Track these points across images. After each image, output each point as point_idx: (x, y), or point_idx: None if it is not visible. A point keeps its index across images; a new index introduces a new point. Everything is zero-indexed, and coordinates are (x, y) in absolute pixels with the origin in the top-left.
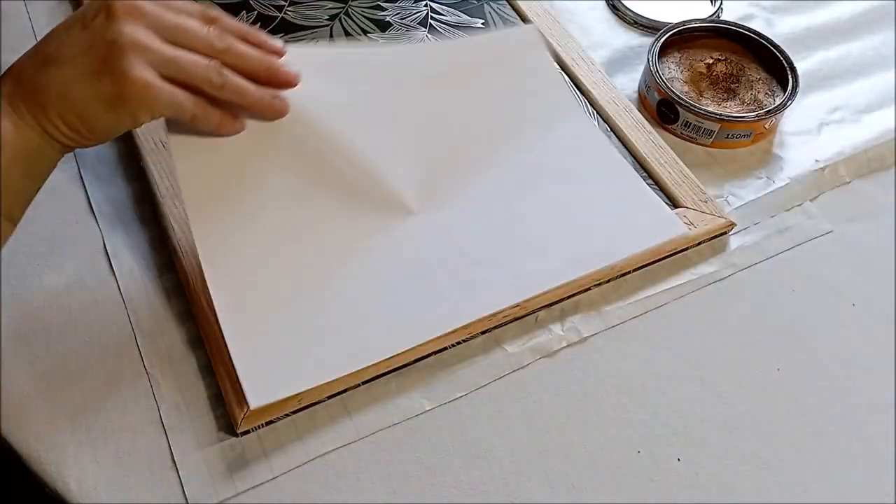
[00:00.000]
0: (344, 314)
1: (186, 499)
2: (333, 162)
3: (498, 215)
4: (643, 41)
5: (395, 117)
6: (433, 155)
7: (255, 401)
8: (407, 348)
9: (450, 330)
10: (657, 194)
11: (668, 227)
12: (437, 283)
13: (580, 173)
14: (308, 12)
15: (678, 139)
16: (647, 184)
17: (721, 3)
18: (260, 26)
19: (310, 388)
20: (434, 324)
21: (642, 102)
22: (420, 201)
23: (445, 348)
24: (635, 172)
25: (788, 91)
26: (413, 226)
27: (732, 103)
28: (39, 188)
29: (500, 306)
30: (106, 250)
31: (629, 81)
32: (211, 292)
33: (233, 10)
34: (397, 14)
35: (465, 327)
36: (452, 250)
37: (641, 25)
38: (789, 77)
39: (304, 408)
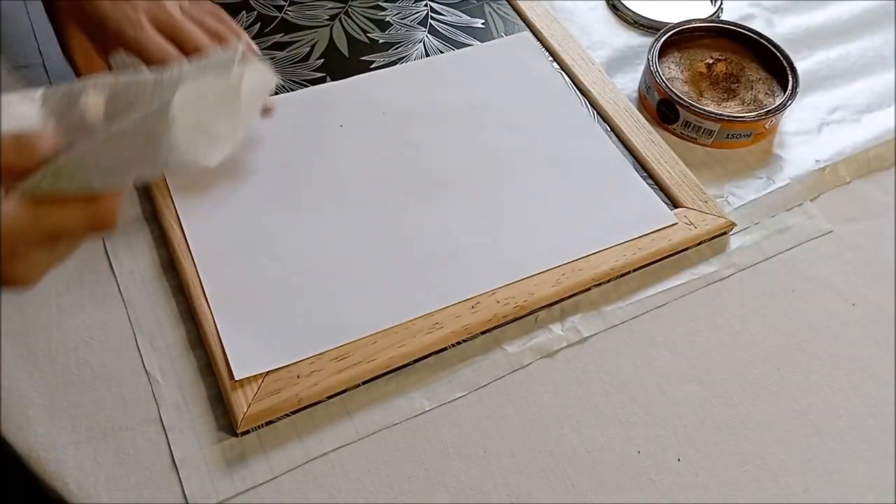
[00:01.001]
0: (329, 292)
1: (186, 499)
2: (324, 156)
3: (488, 201)
4: (643, 41)
5: (391, 115)
6: (429, 144)
7: (239, 372)
8: (388, 326)
9: (433, 310)
10: (651, 188)
11: (656, 217)
12: (424, 263)
13: (573, 162)
14: (308, 12)
15: (678, 139)
16: (648, 184)
17: (721, 3)
18: (260, 26)
19: (294, 362)
20: (418, 304)
21: (642, 102)
22: (413, 185)
23: (445, 348)
24: (628, 162)
25: (788, 91)
26: (403, 208)
27: (732, 103)
28: None
29: (485, 289)
30: (106, 250)
31: (629, 81)
32: (199, 271)
33: (233, 10)
34: (397, 14)
35: (465, 327)
36: (441, 233)
37: (641, 25)
38: (789, 77)
39: (304, 408)
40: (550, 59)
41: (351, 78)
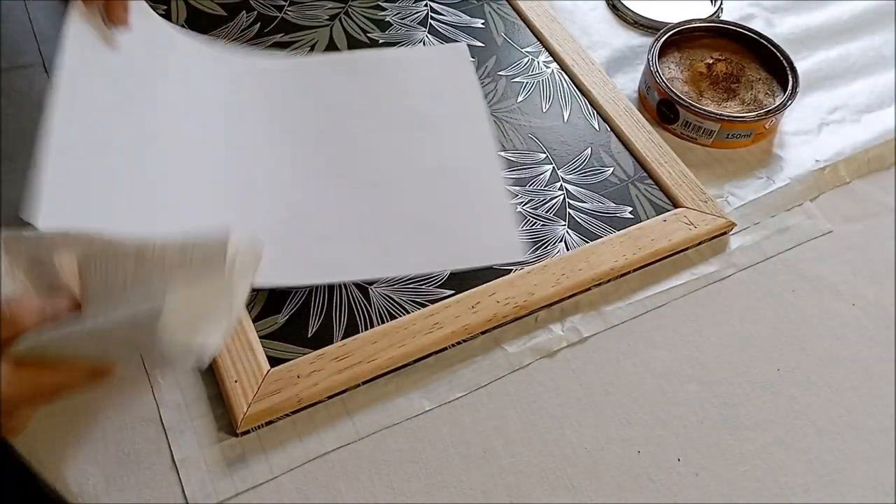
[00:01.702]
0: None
1: (186, 499)
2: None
3: (380, 196)
4: (643, 41)
5: (311, 99)
6: (340, 134)
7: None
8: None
9: (303, 283)
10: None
11: (509, 251)
12: (290, 242)
13: (459, 182)
14: (308, 12)
15: (678, 139)
16: (646, 184)
17: (721, 3)
18: (260, 26)
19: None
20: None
21: (642, 102)
22: (316, 170)
23: (445, 348)
24: (507, 192)
25: (788, 91)
26: (303, 184)
27: (732, 103)
28: None
29: (338, 279)
30: None
31: (629, 81)
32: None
33: (233, 10)
34: (397, 14)
35: (465, 327)
36: (313, 218)
37: (641, 25)
38: (789, 77)
39: (304, 408)
40: (477, 76)
41: (292, 58)
